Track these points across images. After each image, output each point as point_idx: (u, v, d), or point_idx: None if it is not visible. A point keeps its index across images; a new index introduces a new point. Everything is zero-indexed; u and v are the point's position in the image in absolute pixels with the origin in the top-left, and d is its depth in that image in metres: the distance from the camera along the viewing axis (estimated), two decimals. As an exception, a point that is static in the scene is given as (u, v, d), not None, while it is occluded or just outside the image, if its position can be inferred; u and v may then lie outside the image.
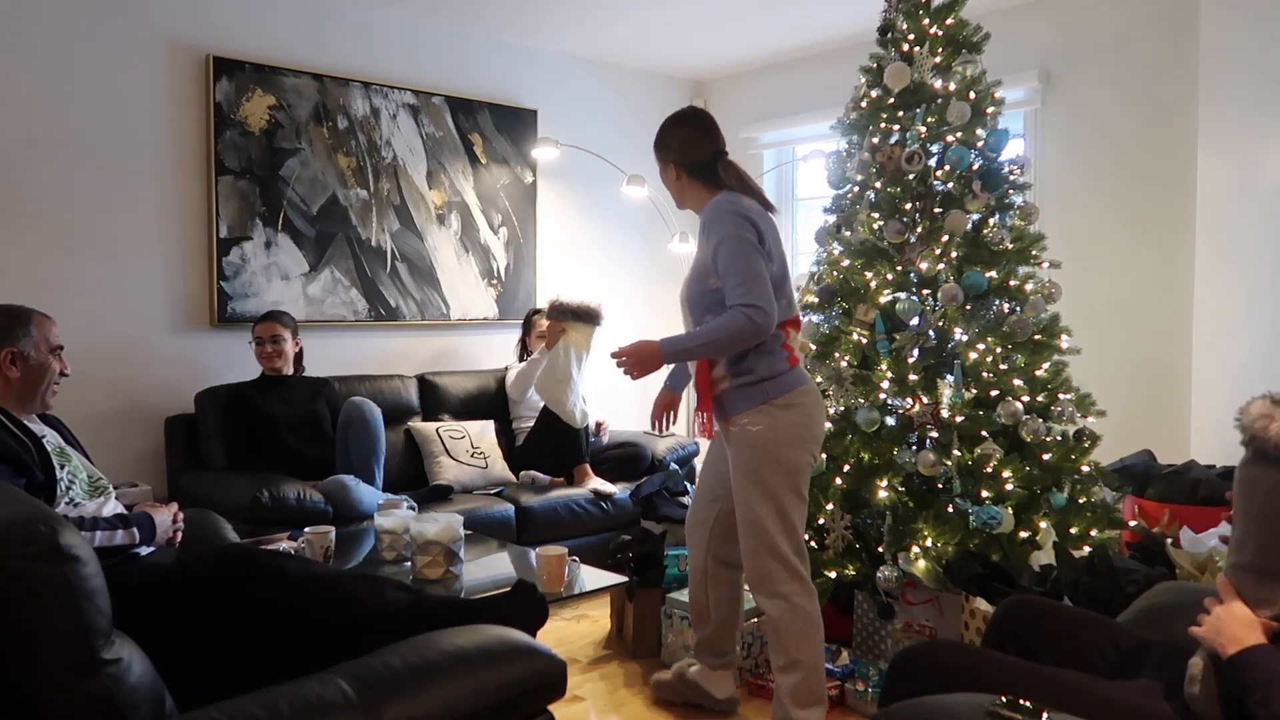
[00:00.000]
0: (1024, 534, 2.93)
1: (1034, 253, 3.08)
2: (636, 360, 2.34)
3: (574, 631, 3.41)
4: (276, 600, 1.78)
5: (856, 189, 3.25)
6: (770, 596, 2.37)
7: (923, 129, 3.08)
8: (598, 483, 4.00)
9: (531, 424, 4.22)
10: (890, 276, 3.08)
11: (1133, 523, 3.26)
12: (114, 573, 1.51)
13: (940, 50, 3.12)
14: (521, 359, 4.48)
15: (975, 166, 3.08)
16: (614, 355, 2.38)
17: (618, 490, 3.99)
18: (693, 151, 2.45)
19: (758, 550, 2.37)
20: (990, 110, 3.11)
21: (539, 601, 2.04)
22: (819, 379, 3.16)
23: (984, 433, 2.94)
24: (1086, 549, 2.85)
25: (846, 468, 3.02)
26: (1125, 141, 4.01)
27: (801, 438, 2.36)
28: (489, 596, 2.04)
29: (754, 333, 2.22)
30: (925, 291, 3.06)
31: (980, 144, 3.08)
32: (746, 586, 2.50)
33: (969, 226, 3.05)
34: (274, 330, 3.71)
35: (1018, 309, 3.03)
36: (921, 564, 2.83)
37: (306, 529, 2.71)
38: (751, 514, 2.35)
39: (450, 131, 4.64)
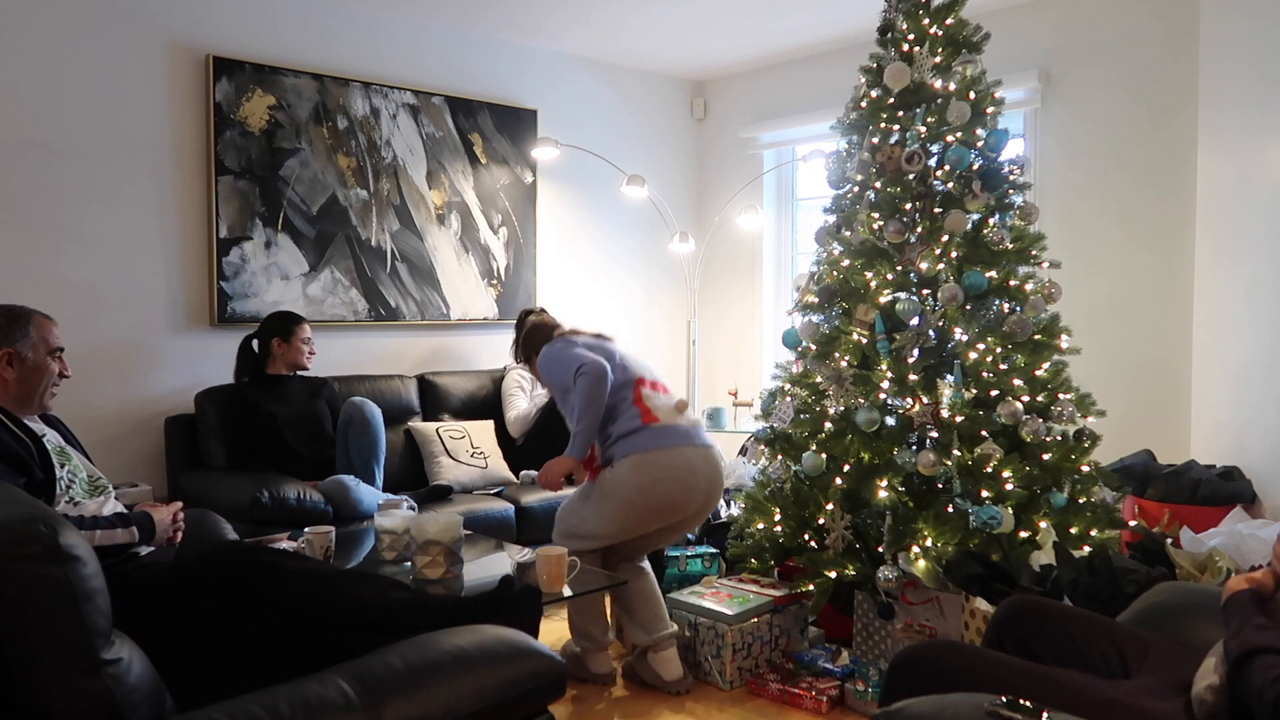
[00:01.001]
0: (1024, 534, 2.93)
1: (1034, 253, 3.08)
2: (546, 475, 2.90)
3: (574, 631, 3.40)
4: (277, 597, 1.78)
5: (856, 189, 3.25)
6: None
7: (923, 129, 3.08)
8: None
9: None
10: (890, 276, 3.08)
11: (1133, 523, 3.26)
12: (114, 571, 1.51)
13: (940, 50, 3.12)
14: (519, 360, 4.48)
15: (975, 166, 3.08)
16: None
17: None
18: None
19: None
20: (990, 110, 3.11)
21: (529, 594, 2.05)
22: (819, 379, 3.17)
23: (984, 433, 2.93)
24: (1086, 549, 2.85)
25: (846, 468, 3.02)
26: (1125, 141, 4.01)
27: None
28: (483, 593, 2.04)
29: (586, 397, 2.82)
30: (925, 291, 3.06)
31: (980, 144, 3.08)
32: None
33: (969, 226, 3.04)
34: (309, 332, 3.76)
35: (1018, 309, 3.03)
36: (921, 564, 2.83)
37: (306, 529, 2.71)
38: None
39: (450, 131, 4.64)
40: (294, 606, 1.78)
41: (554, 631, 3.34)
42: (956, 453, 2.90)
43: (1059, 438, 3.01)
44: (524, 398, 4.32)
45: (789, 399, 3.24)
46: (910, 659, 1.74)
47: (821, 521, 3.06)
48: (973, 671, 1.63)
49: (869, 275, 3.13)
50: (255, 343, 3.75)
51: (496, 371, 4.55)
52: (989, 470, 2.90)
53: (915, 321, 3.04)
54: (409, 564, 2.58)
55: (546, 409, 4.14)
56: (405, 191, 4.50)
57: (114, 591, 1.37)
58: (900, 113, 3.16)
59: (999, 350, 3.00)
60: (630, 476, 2.75)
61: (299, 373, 3.82)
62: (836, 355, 3.14)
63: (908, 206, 3.09)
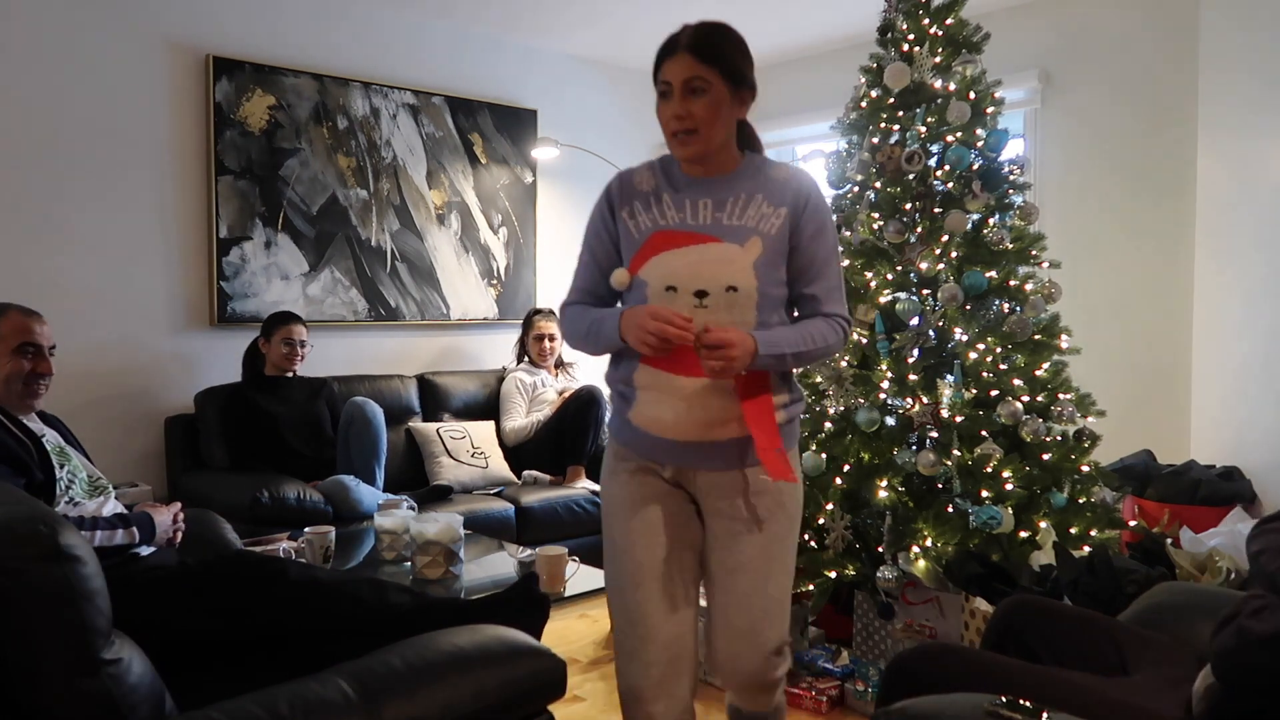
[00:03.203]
0: (1024, 534, 2.93)
1: (1034, 253, 3.08)
2: (740, 355, 1.61)
3: (574, 631, 3.41)
4: (279, 601, 1.78)
5: (856, 189, 3.25)
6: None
7: (923, 129, 3.08)
8: (589, 484, 4.01)
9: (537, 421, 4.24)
10: (890, 276, 3.08)
11: (1133, 523, 3.26)
12: (115, 573, 1.51)
13: (940, 50, 3.12)
14: (520, 360, 4.49)
15: (975, 166, 3.07)
16: (712, 345, 1.59)
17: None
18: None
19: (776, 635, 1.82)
20: (990, 110, 3.11)
21: (541, 600, 2.04)
22: (819, 379, 3.17)
23: (984, 433, 2.93)
24: (1086, 549, 2.85)
25: (846, 468, 3.02)
26: (1125, 141, 4.01)
27: None
28: (490, 597, 2.04)
29: (839, 350, 1.83)
30: (925, 291, 3.06)
31: (980, 144, 3.07)
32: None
33: (969, 226, 3.04)
34: (303, 335, 3.73)
35: (1018, 309, 3.02)
36: (921, 564, 2.83)
37: (306, 529, 2.71)
38: (785, 591, 1.83)
39: (450, 131, 4.64)
40: (295, 609, 1.78)
41: (554, 631, 3.34)
42: (956, 453, 2.90)
43: (1059, 438, 3.01)
44: (521, 405, 4.31)
45: (789, 399, 3.23)
46: (906, 663, 1.73)
47: (821, 521, 3.06)
48: (970, 674, 1.63)
49: (869, 275, 3.13)
50: (260, 342, 3.77)
51: (497, 371, 4.55)
52: (989, 470, 2.90)
53: (915, 321, 3.04)
54: (409, 564, 2.59)
55: (549, 427, 4.13)
56: (405, 191, 4.50)
57: (115, 593, 1.37)
58: (900, 113, 3.16)
59: (999, 350, 3.00)
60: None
61: (296, 373, 3.82)
62: (836, 355, 3.14)
63: (908, 206, 3.09)
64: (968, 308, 3.01)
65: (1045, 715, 1.28)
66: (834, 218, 1.87)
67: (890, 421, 3.01)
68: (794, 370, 1.83)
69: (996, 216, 3.11)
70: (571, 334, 1.84)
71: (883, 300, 3.06)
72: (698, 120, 1.68)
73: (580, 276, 1.86)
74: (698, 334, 1.59)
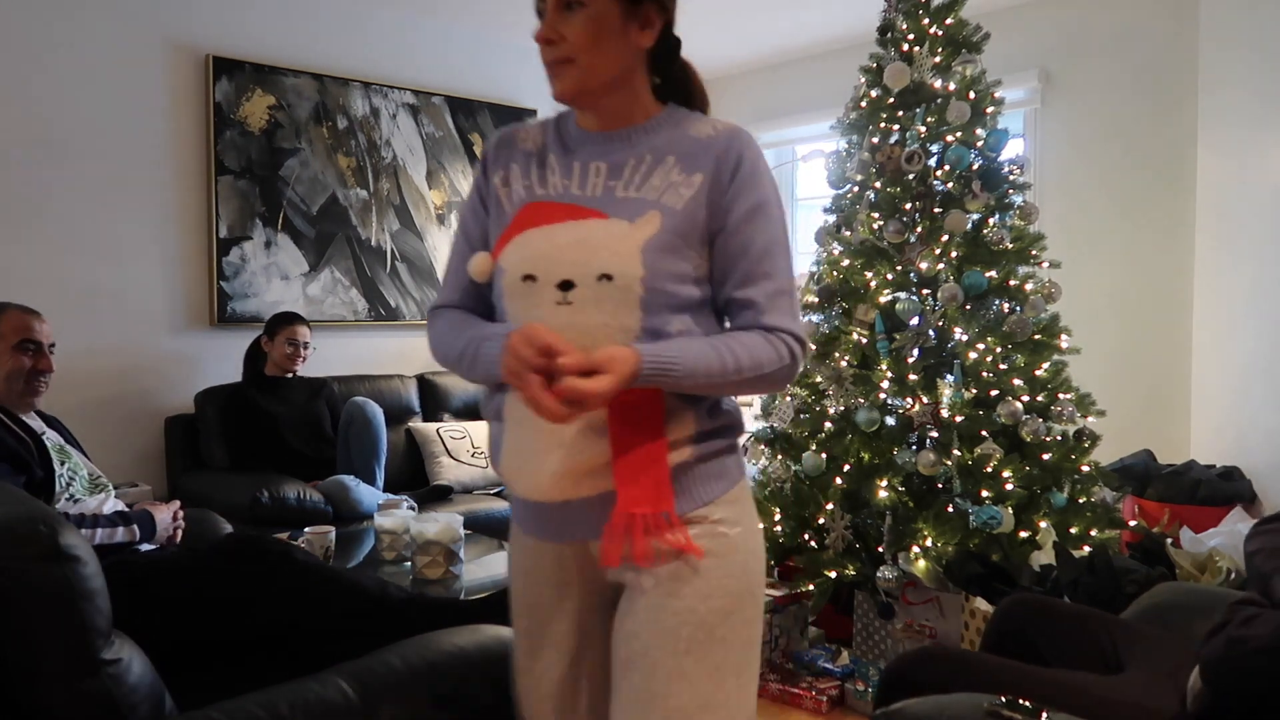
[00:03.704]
0: (1024, 534, 2.93)
1: (1034, 253, 3.08)
2: (598, 389, 1.09)
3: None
4: (282, 583, 1.79)
5: (856, 189, 3.25)
6: None
7: (922, 129, 3.08)
8: None
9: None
10: (890, 276, 3.08)
11: (1133, 523, 3.26)
12: (119, 559, 1.51)
13: (940, 50, 3.12)
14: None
15: (975, 166, 3.08)
16: (568, 369, 1.09)
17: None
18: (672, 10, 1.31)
19: None
20: (990, 110, 3.11)
21: None
22: (819, 379, 3.16)
23: (984, 433, 2.93)
24: (1086, 549, 2.85)
25: (846, 468, 3.02)
26: (1125, 141, 4.01)
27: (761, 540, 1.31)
28: (490, 596, 2.04)
29: (792, 379, 1.26)
30: (925, 291, 3.06)
31: (980, 144, 3.08)
32: None
33: (969, 226, 3.05)
34: (306, 336, 3.73)
35: (1018, 309, 3.03)
36: (921, 564, 2.83)
37: (306, 529, 2.71)
38: (709, 701, 1.20)
39: (450, 131, 4.64)
40: (299, 593, 1.79)
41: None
42: (956, 453, 2.90)
43: (1059, 438, 3.01)
44: None
45: (789, 399, 3.23)
46: (904, 667, 1.73)
47: (821, 521, 3.06)
48: (967, 678, 1.63)
49: (869, 275, 3.13)
50: (263, 341, 3.77)
51: (496, 371, 4.55)
52: (989, 470, 2.90)
53: (915, 321, 3.04)
54: (409, 564, 2.59)
55: None
56: (405, 191, 4.50)
57: (119, 580, 1.38)
58: (900, 113, 3.16)
59: (999, 350, 3.01)
60: (750, 504, 1.32)
61: (297, 373, 3.82)
62: (836, 355, 3.14)
63: (908, 206, 3.09)
64: (968, 308, 3.01)
65: (1045, 715, 1.28)
66: (775, 194, 1.27)
67: (890, 421, 3.01)
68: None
69: (996, 216, 3.11)
70: (441, 353, 1.35)
71: (883, 300, 3.06)
72: (572, 45, 1.25)
73: (454, 271, 1.37)
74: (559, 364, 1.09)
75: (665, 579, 1.20)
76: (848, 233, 3.24)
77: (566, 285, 1.17)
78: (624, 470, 1.17)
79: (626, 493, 1.17)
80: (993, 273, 3.03)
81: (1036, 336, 3.03)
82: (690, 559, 1.20)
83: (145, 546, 2.19)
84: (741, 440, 1.32)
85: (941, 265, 3.02)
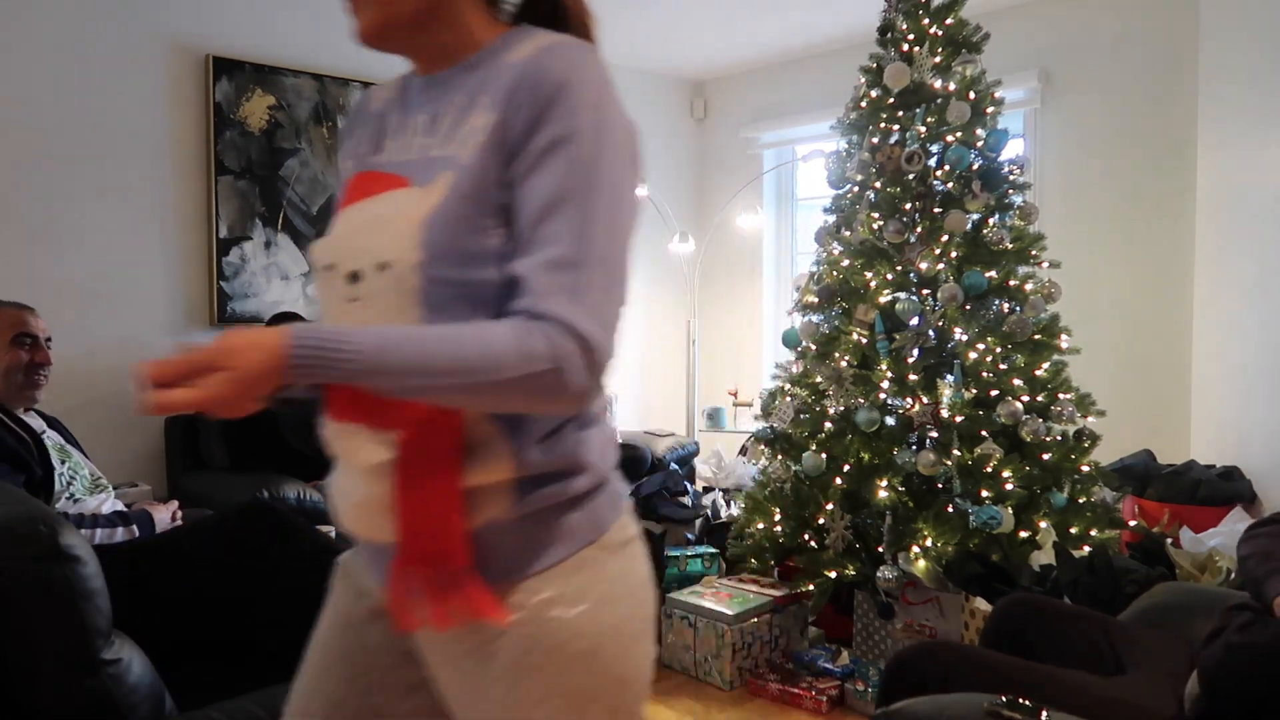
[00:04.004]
0: (1024, 534, 2.93)
1: (1034, 253, 3.08)
2: (230, 382, 0.85)
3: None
4: (298, 547, 1.82)
5: (856, 189, 3.25)
6: None
7: (922, 129, 3.08)
8: None
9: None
10: (890, 276, 3.08)
11: (1133, 523, 3.26)
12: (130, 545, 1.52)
13: (940, 50, 3.12)
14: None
15: (975, 166, 3.08)
16: (154, 377, 0.84)
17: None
18: None
19: None
20: (990, 110, 3.11)
21: None
22: (819, 379, 3.16)
23: (984, 433, 2.93)
24: (1086, 549, 2.85)
25: (846, 468, 3.02)
26: (1125, 141, 4.01)
27: (646, 615, 0.99)
28: None
29: (569, 393, 0.86)
30: (925, 291, 3.06)
31: (980, 144, 3.08)
32: None
33: (969, 226, 3.05)
34: None
35: (1018, 309, 3.03)
36: (921, 564, 2.83)
37: (306, 529, 2.71)
38: None
39: (450, 131, 4.64)
40: (314, 564, 1.82)
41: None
42: (956, 453, 2.90)
43: (1059, 438, 3.01)
44: None
45: (789, 399, 3.23)
46: (907, 661, 1.74)
47: (821, 521, 3.06)
48: (970, 672, 1.63)
49: (869, 275, 3.13)
50: None
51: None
52: (989, 470, 2.90)
53: (915, 321, 3.04)
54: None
55: None
56: (405, 191, 4.50)
57: (137, 552, 1.39)
58: (900, 113, 3.16)
59: (999, 350, 3.01)
60: (631, 565, 0.98)
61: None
62: (836, 355, 3.14)
63: (908, 206, 3.10)
64: (968, 308, 3.02)
65: (1044, 714, 1.28)
66: (613, 136, 0.90)
67: (890, 421, 3.01)
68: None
69: (996, 216, 3.11)
70: None
71: (883, 300, 3.06)
72: None
73: None
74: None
75: (476, 677, 0.92)
76: (848, 233, 3.24)
77: (355, 276, 0.94)
78: (407, 513, 0.91)
79: (420, 543, 0.91)
80: (993, 273, 3.03)
81: (1036, 336, 3.03)
82: (517, 651, 0.90)
83: (145, 546, 2.20)
84: (605, 483, 0.98)
85: (941, 265, 3.02)
